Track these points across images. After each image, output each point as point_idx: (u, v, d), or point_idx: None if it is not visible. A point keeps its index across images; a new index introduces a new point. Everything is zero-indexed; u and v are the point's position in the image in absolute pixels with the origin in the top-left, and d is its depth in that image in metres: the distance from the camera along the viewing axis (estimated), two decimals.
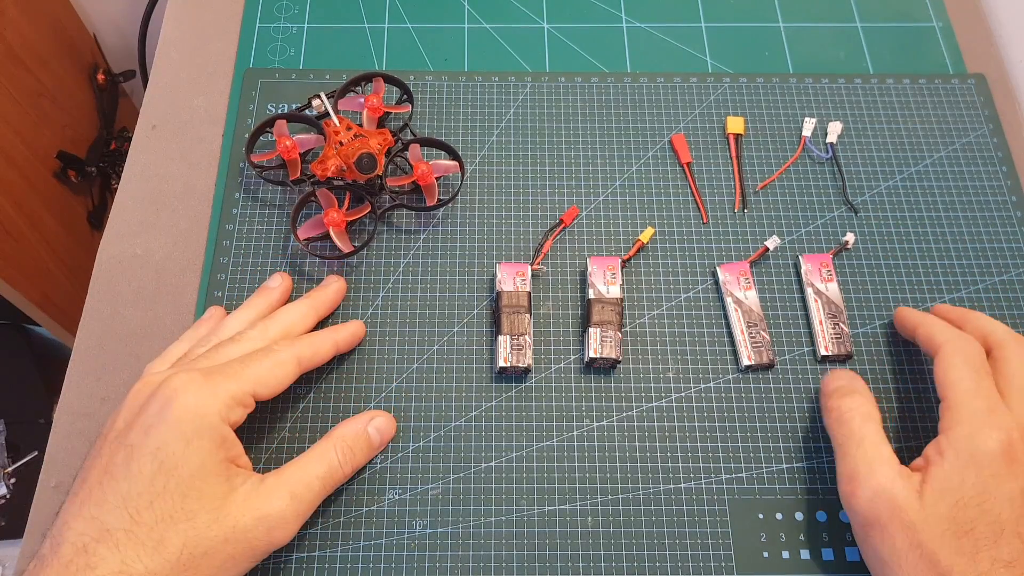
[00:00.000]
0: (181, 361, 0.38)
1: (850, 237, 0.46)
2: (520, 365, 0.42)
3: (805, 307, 0.45)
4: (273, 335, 0.38)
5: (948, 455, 0.33)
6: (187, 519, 0.31)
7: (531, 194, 0.49)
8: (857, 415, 0.37)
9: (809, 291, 0.45)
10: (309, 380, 0.43)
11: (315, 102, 0.48)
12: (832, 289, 0.45)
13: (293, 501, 0.34)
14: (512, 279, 0.44)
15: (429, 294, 0.45)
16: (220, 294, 0.45)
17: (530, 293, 0.44)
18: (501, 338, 0.42)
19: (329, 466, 0.36)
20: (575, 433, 0.42)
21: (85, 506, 0.31)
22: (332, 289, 0.43)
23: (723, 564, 0.39)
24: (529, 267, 0.44)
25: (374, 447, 0.39)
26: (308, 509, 0.35)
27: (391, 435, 0.41)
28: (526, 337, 0.42)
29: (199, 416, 0.33)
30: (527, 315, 0.43)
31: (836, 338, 0.43)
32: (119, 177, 0.50)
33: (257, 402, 0.36)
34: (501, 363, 0.42)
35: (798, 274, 0.46)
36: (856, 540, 0.36)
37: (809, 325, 0.45)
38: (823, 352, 0.43)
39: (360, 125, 0.47)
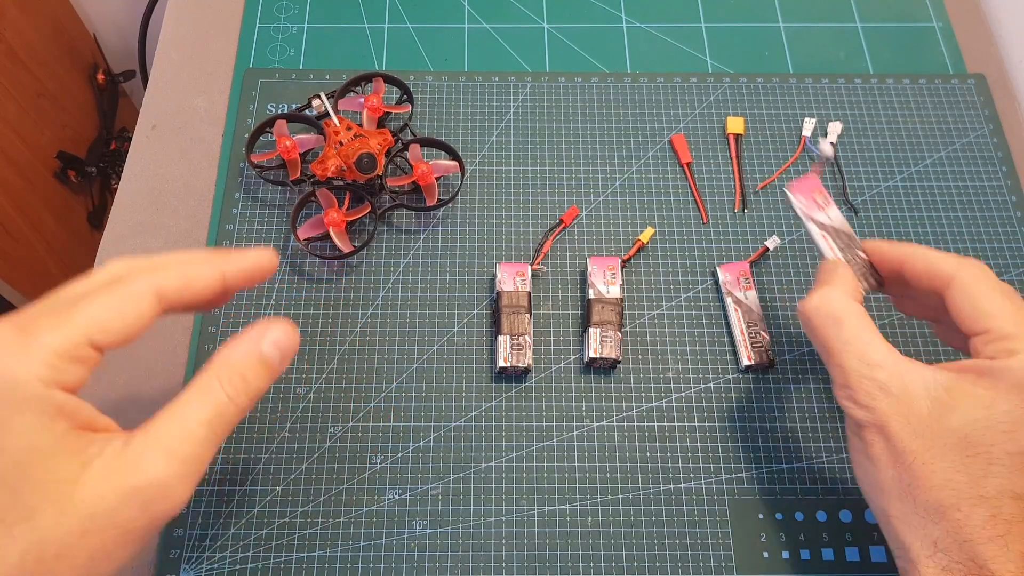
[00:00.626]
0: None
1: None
2: (520, 365, 0.42)
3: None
4: (167, 287, 0.28)
5: (997, 377, 0.30)
6: (24, 519, 0.24)
7: (531, 194, 0.49)
8: (831, 316, 0.33)
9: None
10: (309, 380, 0.43)
11: (315, 102, 0.48)
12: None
13: (171, 461, 0.25)
14: (512, 279, 0.44)
15: (429, 294, 0.45)
16: None
17: (530, 293, 0.44)
18: (501, 338, 0.42)
19: (216, 404, 0.27)
20: (575, 433, 0.42)
21: None
22: (252, 255, 0.31)
23: (723, 564, 0.39)
24: (529, 267, 0.44)
25: (274, 368, 0.29)
26: (197, 466, 0.26)
27: (294, 349, 0.30)
28: (526, 337, 0.42)
29: (12, 386, 0.24)
30: (527, 315, 0.43)
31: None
32: (119, 177, 0.50)
33: (107, 350, 0.27)
34: (501, 363, 0.42)
35: (800, 275, 0.46)
36: (849, 435, 0.33)
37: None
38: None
39: (360, 125, 0.47)
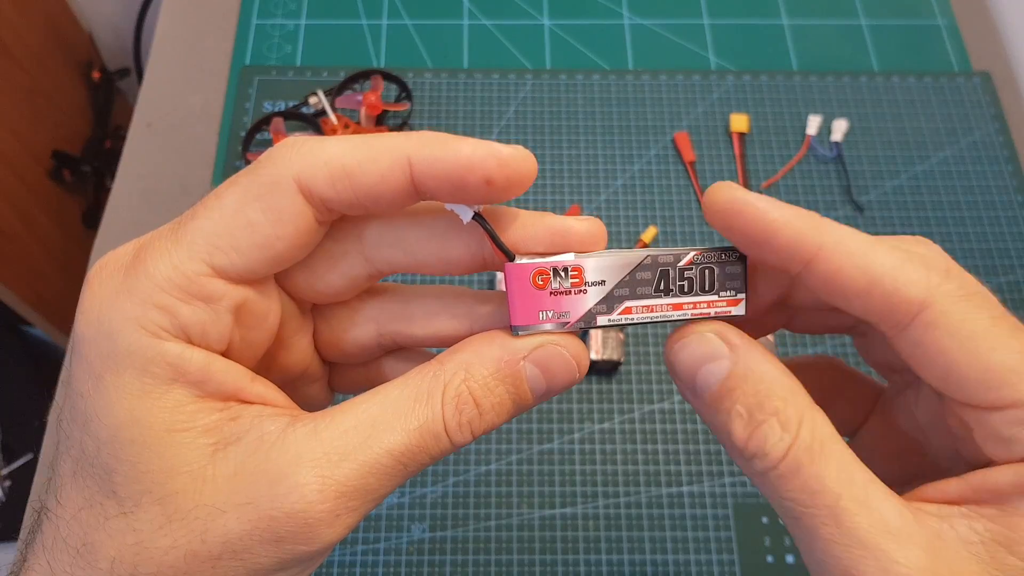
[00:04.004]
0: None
1: None
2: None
3: None
4: (333, 170, 0.18)
5: None
6: (120, 513, 0.17)
7: (531, 194, 0.48)
8: (807, 452, 0.17)
9: None
10: None
11: (312, 100, 0.48)
12: None
13: (326, 492, 0.17)
14: None
15: None
16: None
17: None
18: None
19: (423, 433, 0.18)
20: (576, 436, 0.41)
21: (47, 460, 0.20)
22: (466, 144, 0.18)
23: (726, 569, 0.38)
24: None
25: (525, 400, 0.19)
26: (360, 506, 0.18)
27: (572, 380, 0.19)
28: None
29: (106, 334, 0.17)
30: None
31: None
32: (114, 176, 0.49)
33: (254, 288, 0.19)
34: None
35: None
36: None
37: None
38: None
39: (358, 123, 0.46)
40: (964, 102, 0.52)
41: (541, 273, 0.19)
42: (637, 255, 0.19)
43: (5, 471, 0.84)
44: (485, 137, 0.50)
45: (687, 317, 0.20)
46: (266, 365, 0.20)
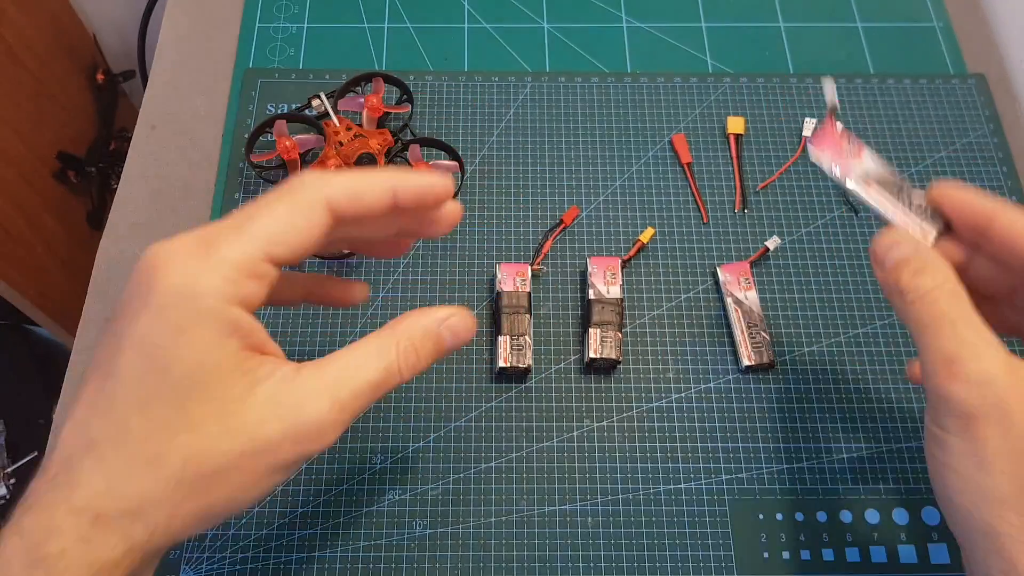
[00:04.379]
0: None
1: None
2: (520, 365, 0.42)
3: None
4: (336, 193, 0.27)
5: None
6: (189, 429, 0.24)
7: (531, 194, 0.49)
8: (944, 292, 0.29)
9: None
10: None
11: (315, 102, 0.48)
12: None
13: (334, 407, 0.26)
14: (512, 279, 0.44)
15: (429, 294, 0.45)
16: None
17: (530, 293, 0.44)
18: (501, 338, 0.42)
19: (387, 369, 0.27)
20: (575, 433, 0.42)
21: (78, 407, 0.25)
22: (430, 180, 0.29)
23: (723, 564, 0.39)
24: (529, 267, 0.44)
25: (442, 351, 0.29)
26: (351, 419, 0.27)
27: (467, 339, 0.30)
28: (526, 337, 0.42)
29: (190, 297, 0.24)
30: (527, 315, 0.43)
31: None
32: (119, 177, 0.50)
33: (284, 267, 0.27)
34: (501, 363, 0.42)
35: (800, 275, 0.46)
36: (944, 435, 0.28)
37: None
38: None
39: (360, 125, 0.47)
40: (959, 104, 0.52)
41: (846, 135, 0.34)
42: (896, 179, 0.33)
43: (10, 469, 0.84)
44: (486, 139, 0.51)
45: (898, 219, 0.31)
46: None
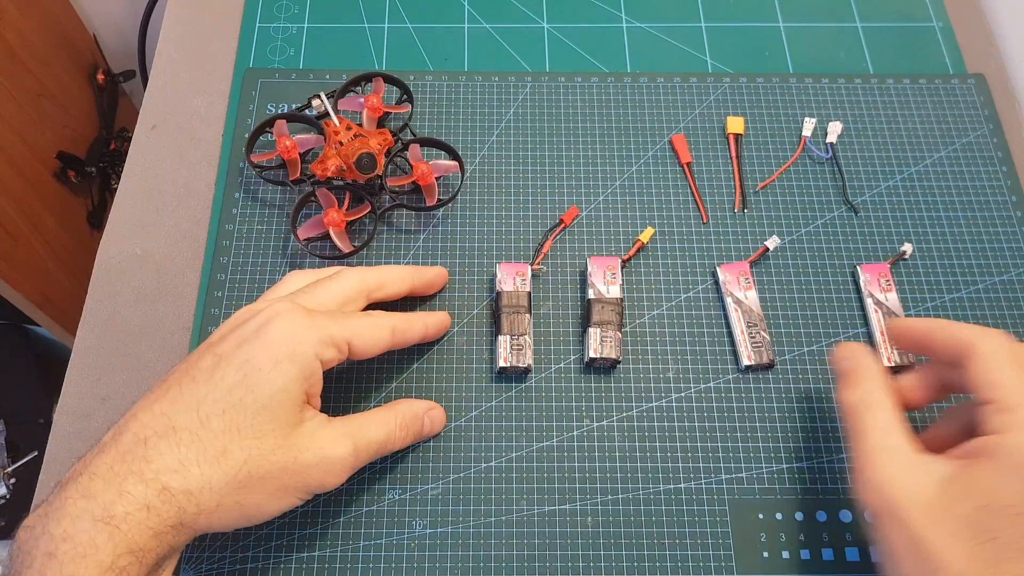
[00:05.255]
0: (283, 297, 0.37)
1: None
2: (520, 365, 0.42)
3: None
4: (370, 282, 0.38)
5: (997, 457, 0.30)
6: (255, 437, 0.31)
7: (531, 194, 0.49)
8: (863, 406, 0.34)
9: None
10: None
11: (315, 102, 0.48)
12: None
13: (353, 453, 0.34)
14: (512, 279, 0.44)
15: (429, 294, 0.45)
16: (220, 294, 0.45)
17: (530, 293, 0.44)
18: (501, 338, 0.42)
19: (387, 436, 0.36)
20: (575, 433, 0.42)
21: (158, 403, 0.31)
22: (434, 271, 0.44)
23: (723, 564, 0.39)
24: (529, 267, 0.44)
25: (421, 436, 0.39)
26: (358, 466, 0.35)
27: (436, 431, 0.41)
28: (526, 337, 0.42)
29: (294, 341, 0.33)
30: (527, 315, 0.43)
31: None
32: (119, 177, 0.50)
33: (348, 360, 0.36)
34: (501, 363, 0.42)
35: (800, 275, 0.46)
36: (873, 532, 0.33)
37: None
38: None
39: (360, 125, 0.47)
40: (958, 104, 0.52)
41: None
42: None
43: (10, 468, 0.84)
44: (486, 139, 0.51)
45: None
46: None
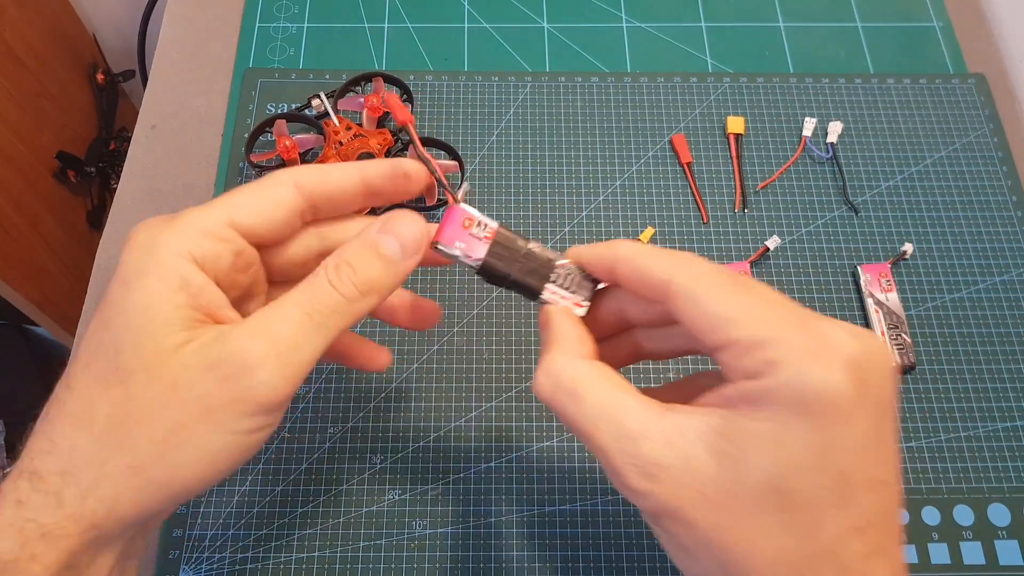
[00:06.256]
0: None
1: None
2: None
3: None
4: (302, 173, 0.28)
5: (765, 403, 0.22)
6: (120, 381, 0.24)
7: (531, 194, 0.49)
8: (561, 379, 0.25)
9: (869, 302, 0.45)
10: (309, 380, 0.43)
11: (315, 102, 0.48)
12: (892, 299, 0.45)
13: (255, 337, 0.24)
14: (466, 236, 0.29)
15: (428, 294, 0.45)
16: None
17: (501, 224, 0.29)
18: (548, 288, 0.28)
19: (315, 289, 0.26)
20: None
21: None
22: (396, 162, 0.29)
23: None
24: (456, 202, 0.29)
25: (388, 257, 0.27)
26: (288, 350, 0.24)
27: (417, 239, 0.27)
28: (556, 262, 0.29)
29: (147, 250, 0.25)
30: (521, 240, 0.29)
31: (899, 348, 0.43)
32: (118, 177, 0.50)
33: (254, 244, 0.27)
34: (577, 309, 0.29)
35: (800, 275, 0.46)
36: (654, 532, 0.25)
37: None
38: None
39: (360, 125, 0.47)
40: (959, 104, 0.52)
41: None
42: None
43: (9, 469, 0.84)
44: (486, 139, 0.50)
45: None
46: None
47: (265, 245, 0.28)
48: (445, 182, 0.31)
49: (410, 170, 0.29)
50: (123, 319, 0.24)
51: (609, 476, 0.24)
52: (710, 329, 0.23)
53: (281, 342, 0.24)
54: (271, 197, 0.27)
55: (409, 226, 0.27)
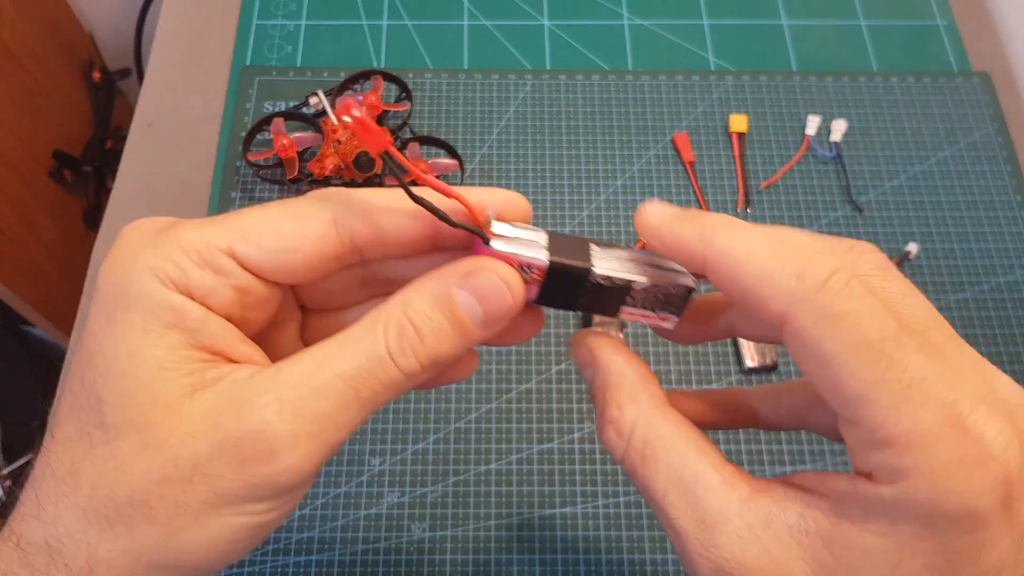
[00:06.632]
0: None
1: (913, 247, 0.46)
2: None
3: None
4: (336, 202, 0.21)
5: (883, 515, 0.18)
6: (105, 441, 0.19)
7: (531, 193, 0.48)
8: (635, 437, 0.21)
9: None
10: None
11: (313, 100, 0.48)
12: None
13: (283, 414, 0.19)
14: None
15: None
16: None
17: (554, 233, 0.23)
18: (625, 311, 0.22)
19: (368, 356, 0.19)
20: (576, 435, 0.41)
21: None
22: (495, 193, 0.22)
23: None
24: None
25: (468, 329, 0.20)
26: (321, 431, 0.19)
27: (505, 305, 0.20)
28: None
29: (126, 275, 0.19)
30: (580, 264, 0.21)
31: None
32: (115, 176, 0.49)
33: (261, 273, 0.20)
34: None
35: None
36: None
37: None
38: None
39: None
40: (963, 102, 0.52)
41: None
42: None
43: (5, 471, 0.84)
44: (486, 137, 0.50)
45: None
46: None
47: (281, 284, 0.22)
48: (477, 216, 0.20)
49: (522, 204, 0.22)
50: (104, 361, 0.19)
51: (679, 556, 0.20)
52: (834, 397, 0.18)
53: (317, 421, 0.19)
54: (293, 230, 0.20)
55: (498, 288, 0.20)
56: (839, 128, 0.50)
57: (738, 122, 0.50)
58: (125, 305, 0.19)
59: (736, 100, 0.52)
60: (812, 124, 0.50)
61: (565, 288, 0.21)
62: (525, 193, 0.48)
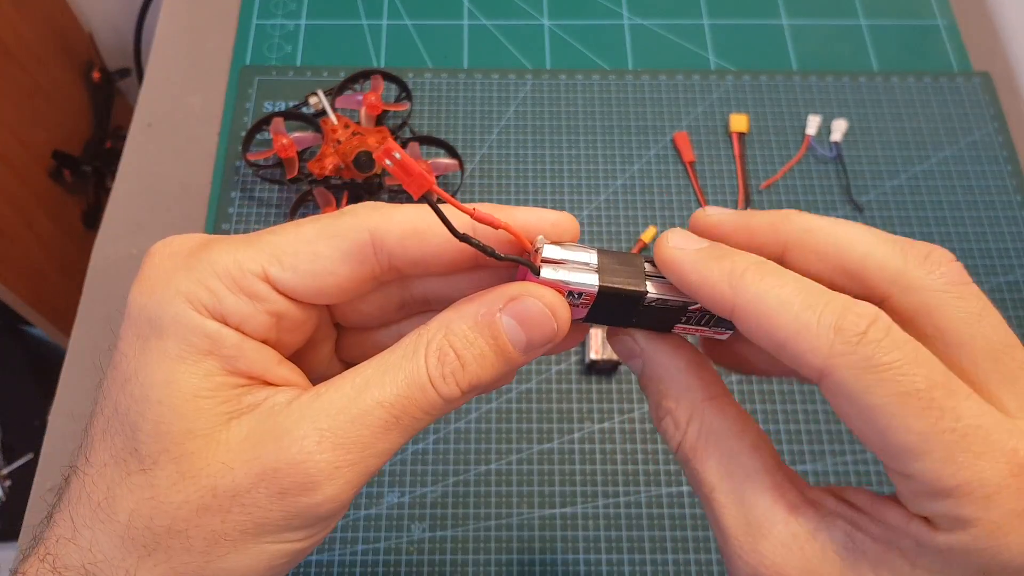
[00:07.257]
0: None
1: None
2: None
3: None
4: (376, 222, 0.21)
5: (937, 563, 0.17)
6: (141, 470, 0.19)
7: (531, 193, 0.48)
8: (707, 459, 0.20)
9: None
10: None
11: (312, 100, 0.48)
12: None
13: (323, 443, 0.18)
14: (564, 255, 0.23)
15: None
16: None
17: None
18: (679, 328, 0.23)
19: (410, 384, 0.19)
20: (576, 435, 0.41)
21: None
22: (550, 215, 0.21)
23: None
24: None
25: (508, 351, 0.20)
26: (360, 459, 0.19)
27: (549, 331, 0.20)
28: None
29: (157, 300, 0.19)
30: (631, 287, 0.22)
31: None
32: (114, 176, 0.49)
33: (294, 300, 0.20)
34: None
35: None
36: None
37: None
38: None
39: (358, 123, 0.46)
40: (964, 102, 0.52)
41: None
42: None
43: (5, 471, 0.84)
44: (486, 137, 0.50)
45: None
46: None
47: (318, 305, 0.21)
48: (525, 244, 0.20)
49: (568, 224, 0.21)
50: (140, 388, 0.19)
51: (720, 550, 0.21)
52: (882, 449, 0.17)
53: (356, 450, 0.19)
54: (330, 252, 0.20)
55: (543, 315, 0.19)
56: (839, 128, 0.50)
57: (738, 122, 0.50)
58: (159, 331, 0.19)
59: (736, 100, 0.52)
60: (812, 124, 0.50)
61: (616, 309, 0.21)
62: (525, 193, 0.48)
